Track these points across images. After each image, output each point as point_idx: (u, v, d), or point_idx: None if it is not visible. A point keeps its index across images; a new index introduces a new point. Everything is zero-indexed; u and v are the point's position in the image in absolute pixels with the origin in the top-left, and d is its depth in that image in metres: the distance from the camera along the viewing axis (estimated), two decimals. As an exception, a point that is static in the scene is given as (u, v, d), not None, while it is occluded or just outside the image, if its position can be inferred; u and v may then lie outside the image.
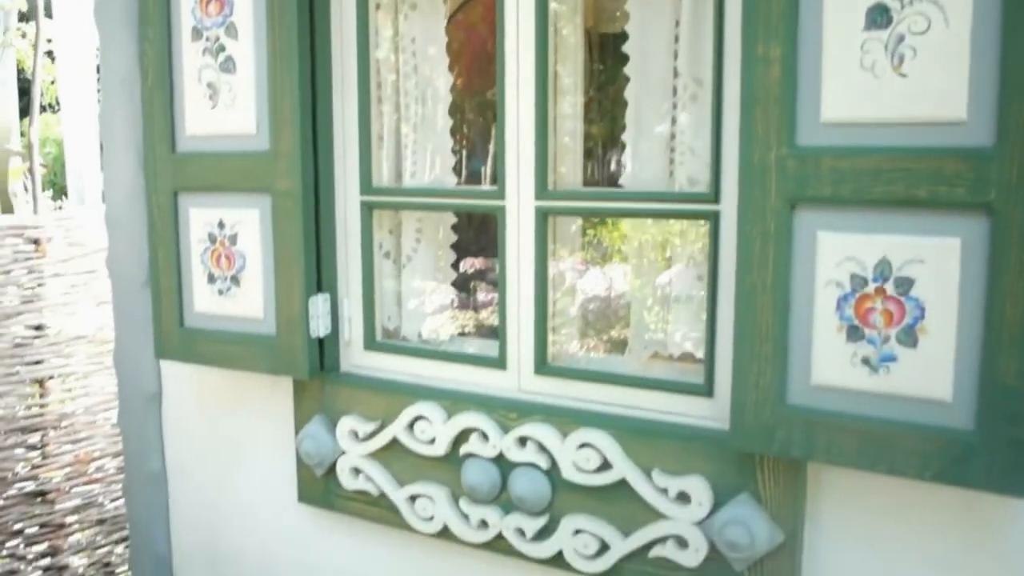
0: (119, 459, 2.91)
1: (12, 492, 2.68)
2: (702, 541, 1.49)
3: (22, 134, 5.60)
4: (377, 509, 1.83)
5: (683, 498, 1.50)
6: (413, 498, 1.77)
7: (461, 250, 2.05)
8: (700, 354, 1.60)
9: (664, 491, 1.52)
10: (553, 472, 1.61)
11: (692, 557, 1.50)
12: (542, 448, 1.61)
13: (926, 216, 1.25)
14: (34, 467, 2.73)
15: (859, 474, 1.40)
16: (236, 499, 2.11)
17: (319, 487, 1.91)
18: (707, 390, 1.53)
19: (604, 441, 1.55)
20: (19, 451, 2.70)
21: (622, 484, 1.55)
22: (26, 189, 5.75)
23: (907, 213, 1.26)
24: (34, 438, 2.73)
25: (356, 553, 1.94)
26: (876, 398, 1.30)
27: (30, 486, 2.72)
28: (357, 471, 1.83)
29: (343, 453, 1.84)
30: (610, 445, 1.55)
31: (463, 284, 2.06)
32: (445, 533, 1.74)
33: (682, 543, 1.51)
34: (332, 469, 1.87)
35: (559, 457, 1.59)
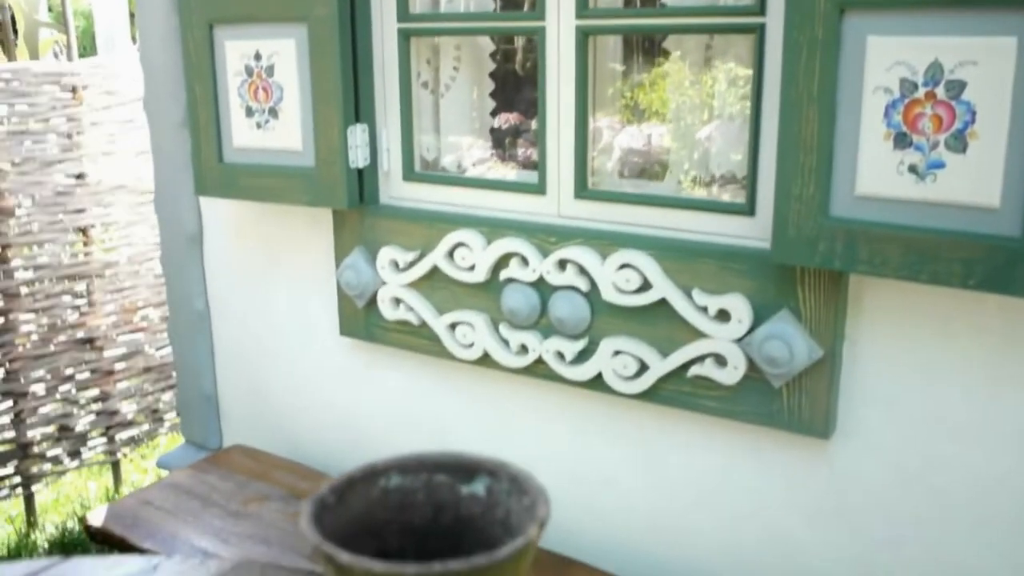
0: (163, 309, 2.97)
1: (63, 338, 2.76)
2: (741, 359, 1.51)
3: (50, 9, 5.54)
4: (417, 339, 1.87)
5: (723, 316, 1.51)
6: (453, 326, 1.80)
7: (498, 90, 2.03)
8: (742, 174, 1.59)
9: (704, 310, 1.53)
10: (592, 294, 1.63)
11: (730, 375, 1.53)
12: (582, 270, 1.62)
13: (980, 15, 1.21)
14: (82, 314, 2.79)
15: (899, 290, 1.40)
16: (279, 335, 2.16)
17: (360, 319, 1.95)
18: (748, 209, 1.52)
19: (644, 261, 1.56)
20: (66, 298, 2.76)
21: (662, 304, 1.56)
22: (56, 56, 5.74)
23: (961, 12, 1.22)
24: (80, 286, 2.79)
25: (398, 383, 1.98)
26: (921, 207, 1.29)
27: (79, 333, 2.79)
28: (397, 301, 1.86)
29: (383, 284, 1.87)
30: (650, 265, 1.56)
31: (502, 112, 2.04)
32: (485, 360, 1.78)
33: (721, 361, 1.53)
34: (373, 301, 1.90)
35: (599, 279, 1.60)
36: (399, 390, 1.99)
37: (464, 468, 0.68)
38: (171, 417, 3.07)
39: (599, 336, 1.64)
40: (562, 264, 1.64)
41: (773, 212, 1.40)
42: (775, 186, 1.39)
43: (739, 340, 1.50)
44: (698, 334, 1.54)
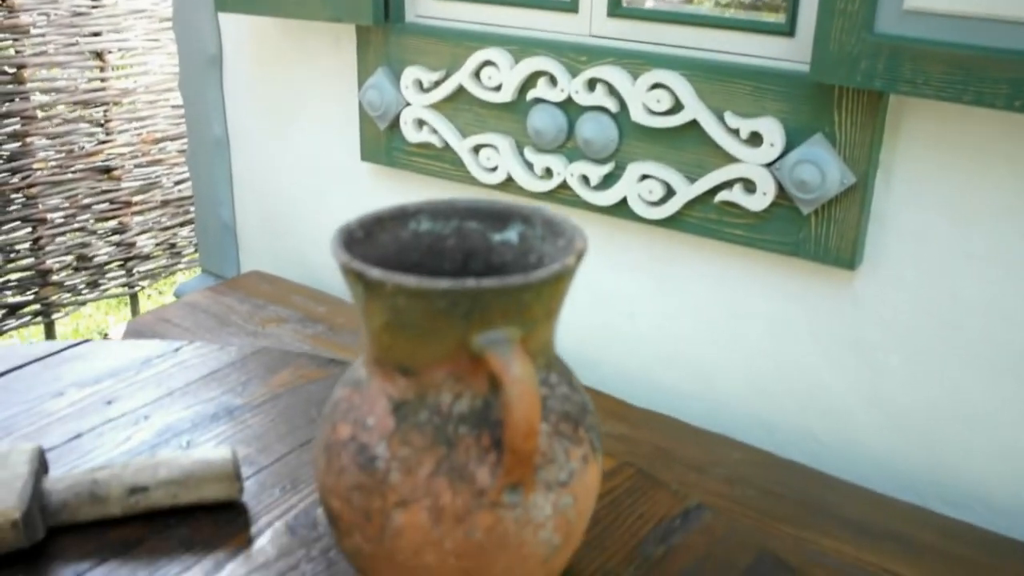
0: (180, 142, 2.94)
1: (80, 166, 2.73)
2: (770, 183, 1.47)
3: None
4: (440, 163, 1.83)
5: (755, 139, 1.47)
6: (477, 148, 1.76)
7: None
8: (783, -7, 1.52)
9: (735, 132, 1.49)
10: (621, 116, 1.58)
11: (759, 201, 1.49)
12: (611, 91, 1.57)
13: None
14: (100, 142, 2.76)
15: (938, 118, 1.36)
16: (299, 160, 2.13)
17: (382, 143, 1.91)
18: (788, 28, 1.46)
19: (677, 82, 1.51)
20: (83, 125, 2.72)
21: (692, 126, 1.52)
22: None
23: None
24: (97, 113, 2.75)
25: (418, 210, 1.96)
26: (970, 23, 1.23)
27: (97, 161, 2.77)
28: (421, 123, 1.82)
29: (407, 104, 1.82)
30: (682, 86, 1.51)
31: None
32: (509, 184, 1.75)
33: (749, 186, 1.50)
34: (395, 123, 1.86)
35: (629, 99, 1.55)
36: (419, 218, 1.96)
37: (497, 215, 0.66)
38: (189, 252, 3.08)
39: (626, 160, 1.60)
40: (591, 84, 1.59)
41: (815, 28, 1.34)
42: (818, 3, 1.33)
43: (770, 165, 1.47)
44: (728, 158, 1.50)
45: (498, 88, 1.69)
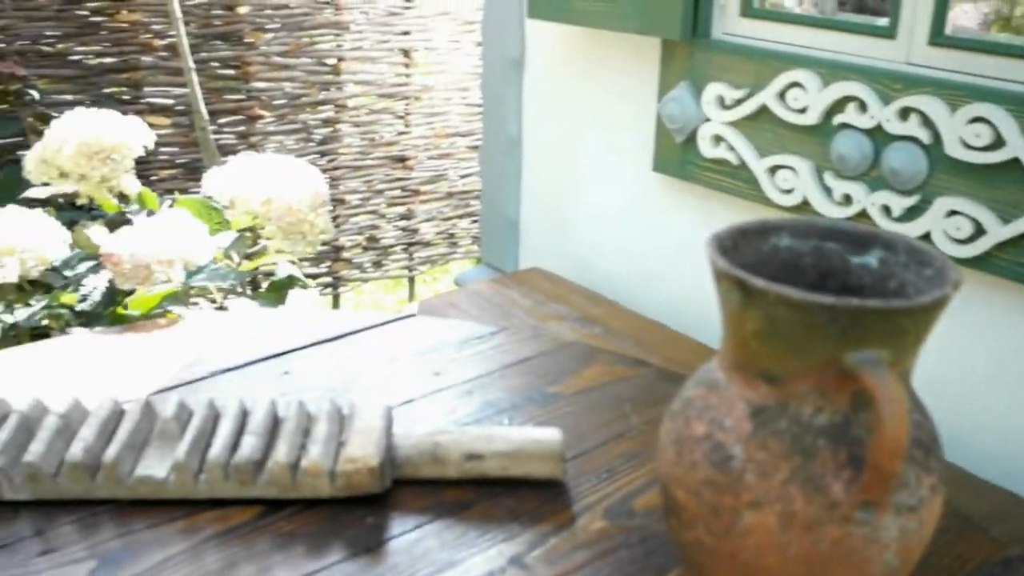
0: (469, 138, 3.11)
1: (379, 154, 2.95)
2: (1098, 231, 1.38)
3: None
4: (733, 180, 1.84)
5: (1085, 183, 1.39)
6: (774, 169, 1.76)
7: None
8: None
9: (1064, 174, 1.40)
10: (933, 148, 1.53)
11: (1081, 248, 1.40)
12: (926, 121, 1.52)
13: None
14: (398, 134, 2.97)
15: None
16: (589, 165, 2.20)
17: (676, 156, 1.94)
18: None
19: (1001, 117, 1.44)
20: (386, 117, 2.94)
21: (1012, 165, 1.45)
22: None
23: None
24: (398, 107, 2.96)
25: (705, 225, 1.98)
26: None
27: (393, 151, 2.98)
28: (718, 139, 1.84)
29: (706, 120, 1.84)
30: (1007, 121, 1.44)
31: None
32: (803, 207, 1.73)
33: (1073, 232, 1.41)
34: (692, 138, 1.89)
35: (944, 131, 1.50)
36: (705, 233, 1.98)
37: (857, 238, 0.67)
38: (466, 243, 3.24)
39: (933, 193, 1.55)
40: (904, 113, 1.55)
41: None
42: None
43: (1101, 211, 1.38)
44: (1052, 201, 1.42)
45: (803, 110, 1.68)
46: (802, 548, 0.58)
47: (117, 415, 0.87)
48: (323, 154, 2.83)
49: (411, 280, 3.22)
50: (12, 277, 1.37)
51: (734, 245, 0.66)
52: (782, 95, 1.71)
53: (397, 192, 3.04)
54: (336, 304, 3.04)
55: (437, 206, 3.14)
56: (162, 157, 2.57)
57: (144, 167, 2.47)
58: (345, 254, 2.99)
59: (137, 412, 0.86)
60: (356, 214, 2.97)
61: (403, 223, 3.09)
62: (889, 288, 0.65)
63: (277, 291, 1.54)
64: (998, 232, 1.48)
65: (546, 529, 0.78)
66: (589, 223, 2.23)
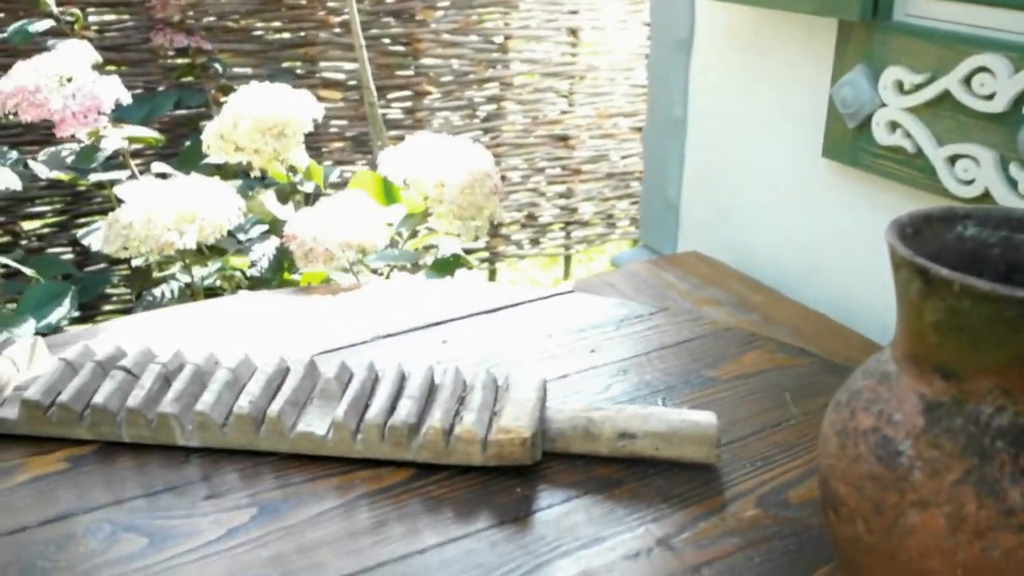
0: (632, 119, 3.08)
1: (541, 132, 2.96)
2: None
3: None
4: (908, 169, 1.75)
5: None
6: (953, 159, 1.67)
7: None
8: None
9: None
10: None
11: None
12: None
13: None
14: (562, 113, 2.97)
15: None
16: (753, 150, 2.14)
17: (847, 141, 1.87)
18: None
19: None
20: (550, 95, 2.94)
21: None
22: None
23: None
24: (563, 85, 2.95)
25: (876, 213, 1.90)
26: None
27: (556, 130, 2.98)
28: (894, 125, 1.75)
29: (882, 105, 1.76)
30: None
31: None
32: (984, 199, 1.63)
33: None
34: (866, 123, 1.81)
35: None
36: (874, 223, 1.90)
37: (1052, 230, 0.63)
38: (623, 225, 3.22)
39: None
40: (1106, 101, 1.44)
41: None
42: None
43: None
44: None
45: (990, 97, 1.58)
46: (971, 554, 0.54)
47: (282, 372, 0.90)
48: (487, 131, 2.86)
49: (567, 259, 3.23)
50: (191, 243, 1.44)
51: (916, 232, 0.63)
52: (967, 80, 1.61)
53: (558, 171, 3.04)
54: (493, 279, 3.08)
55: (597, 186, 3.13)
56: (332, 130, 2.66)
57: (314, 139, 2.56)
58: (504, 230, 3.02)
59: (301, 370, 0.89)
60: (516, 191, 2.99)
61: (562, 202, 3.09)
62: (1085, 285, 0.61)
63: (442, 269, 1.57)
64: None
65: (697, 513, 0.76)
66: (751, 208, 2.17)
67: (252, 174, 1.74)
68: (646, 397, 0.93)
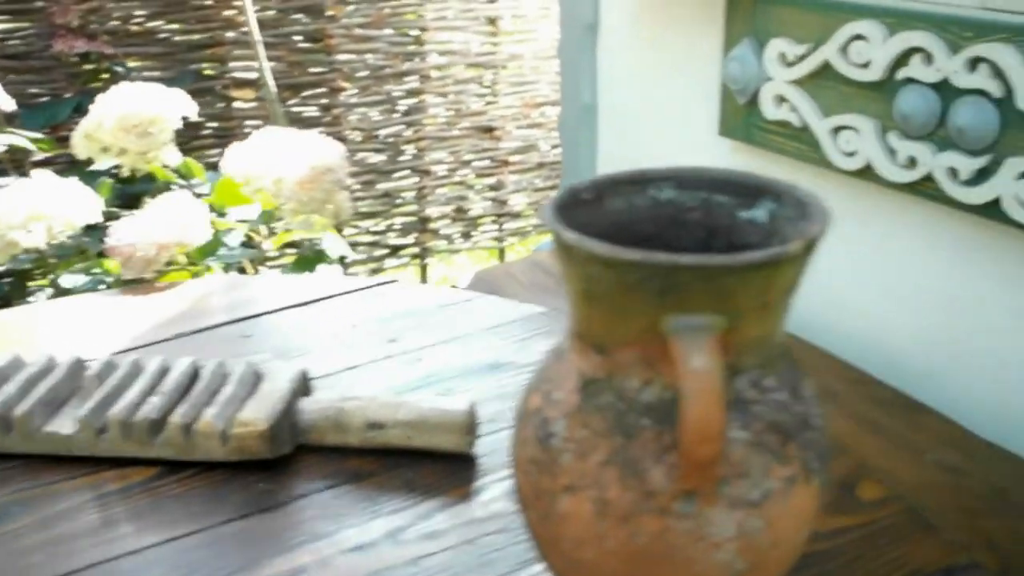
0: (560, 108, 3.03)
1: (465, 124, 2.92)
2: None
3: None
4: (796, 144, 1.71)
5: None
6: (836, 130, 1.62)
7: None
8: None
9: None
10: (1005, 103, 1.37)
11: None
12: (997, 72, 1.37)
13: None
14: (486, 104, 2.92)
15: None
16: (659, 133, 2.10)
17: (740, 118, 1.82)
18: None
19: (1081, 67, 1.28)
20: (472, 86, 2.90)
21: (1094, 122, 1.28)
22: None
23: None
24: (486, 76, 2.91)
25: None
26: None
27: (481, 121, 2.94)
28: (781, 99, 1.71)
29: (768, 79, 1.72)
30: (1088, 72, 1.27)
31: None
32: (867, 172, 1.59)
33: None
34: (755, 98, 1.77)
35: (1016, 83, 1.34)
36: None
37: (748, 189, 0.59)
38: (556, 215, 3.17)
39: (1004, 154, 1.39)
40: (973, 63, 1.39)
41: None
42: None
43: None
44: None
45: (866, 65, 1.54)
46: (619, 541, 0.50)
47: (45, 372, 0.86)
48: (409, 125, 2.82)
49: (501, 251, 3.18)
50: (40, 242, 1.40)
51: (597, 197, 0.59)
52: (845, 49, 1.57)
53: (486, 163, 2.99)
54: (423, 275, 3.04)
55: (527, 177, 3.08)
56: (246, 130, 2.61)
57: (227, 139, 2.52)
58: (432, 225, 2.97)
59: (64, 369, 0.85)
60: (443, 185, 2.95)
61: (492, 194, 3.05)
62: (772, 246, 0.56)
63: (302, 266, 1.52)
64: (1078, 199, 1.32)
65: (439, 503, 0.72)
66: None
67: (122, 175, 1.70)
68: (433, 386, 0.89)
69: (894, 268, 1.64)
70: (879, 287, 1.61)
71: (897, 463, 1.32)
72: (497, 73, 2.90)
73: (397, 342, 0.97)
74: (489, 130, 2.95)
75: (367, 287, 1.11)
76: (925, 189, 1.51)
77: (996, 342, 1.50)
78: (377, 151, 2.80)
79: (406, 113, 2.81)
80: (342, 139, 2.65)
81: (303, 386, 0.82)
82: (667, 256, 0.46)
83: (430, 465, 0.77)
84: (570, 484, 0.51)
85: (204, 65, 2.54)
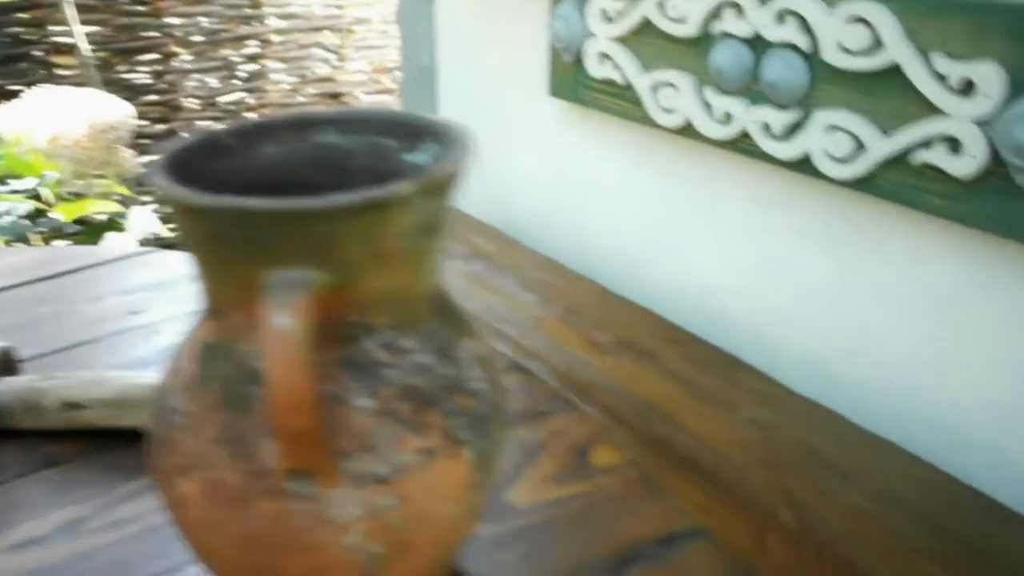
0: (412, 72, 2.95)
1: (311, 90, 2.81)
2: (981, 145, 1.20)
3: None
4: (621, 102, 1.68)
5: (967, 89, 1.20)
6: (657, 87, 1.59)
7: None
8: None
9: (943, 78, 1.22)
10: (813, 56, 1.36)
11: (965, 164, 1.22)
12: (804, 25, 1.35)
13: None
14: (332, 68, 2.82)
15: None
16: (491, 94, 2.04)
17: (568, 78, 1.78)
18: (1026, -48, 1.17)
19: (879, 15, 1.26)
20: (316, 51, 2.79)
21: (892, 72, 1.27)
22: None
23: None
24: (331, 41, 2.81)
25: (602, 149, 1.82)
26: None
27: (327, 88, 2.84)
28: (604, 56, 1.67)
29: (592, 36, 1.68)
30: (886, 20, 1.26)
31: None
32: (687, 130, 1.57)
33: (954, 146, 1.23)
34: (580, 58, 1.73)
35: (822, 35, 1.32)
36: (602, 156, 1.82)
37: (413, 131, 0.53)
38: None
39: (813, 107, 1.38)
40: (781, 16, 1.37)
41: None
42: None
43: (982, 122, 1.20)
44: (932, 109, 1.24)
45: (683, 20, 1.51)
46: (238, 527, 0.44)
47: None
48: (250, 91, 2.70)
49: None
50: None
51: (245, 143, 0.52)
52: (662, 4, 1.54)
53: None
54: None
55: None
56: (70, 97, 2.46)
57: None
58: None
59: None
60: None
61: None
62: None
63: (91, 235, 1.43)
64: (878, 148, 1.31)
65: (135, 487, 0.66)
66: (497, 158, 2.08)
67: None
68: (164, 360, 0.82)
69: (715, 225, 1.62)
70: (703, 245, 1.59)
71: (709, 421, 1.30)
72: (343, 37, 2.81)
73: (140, 314, 0.90)
74: (336, 95, 2.86)
75: (125, 257, 1.03)
76: (743, 145, 1.48)
77: (812, 300, 1.49)
78: (217, 119, 2.68)
79: (247, 80, 2.69)
80: (178, 107, 2.53)
81: (6, 366, 0.74)
82: (250, 201, 0.40)
83: (136, 447, 0.70)
84: (183, 465, 0.45)
85: (20, 29, 2.38)
